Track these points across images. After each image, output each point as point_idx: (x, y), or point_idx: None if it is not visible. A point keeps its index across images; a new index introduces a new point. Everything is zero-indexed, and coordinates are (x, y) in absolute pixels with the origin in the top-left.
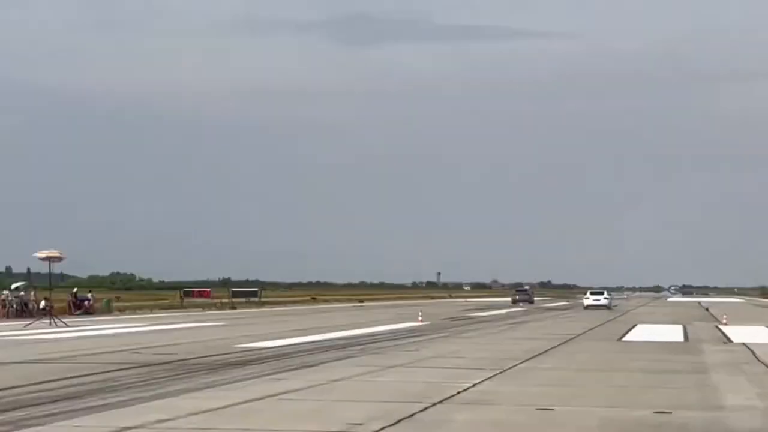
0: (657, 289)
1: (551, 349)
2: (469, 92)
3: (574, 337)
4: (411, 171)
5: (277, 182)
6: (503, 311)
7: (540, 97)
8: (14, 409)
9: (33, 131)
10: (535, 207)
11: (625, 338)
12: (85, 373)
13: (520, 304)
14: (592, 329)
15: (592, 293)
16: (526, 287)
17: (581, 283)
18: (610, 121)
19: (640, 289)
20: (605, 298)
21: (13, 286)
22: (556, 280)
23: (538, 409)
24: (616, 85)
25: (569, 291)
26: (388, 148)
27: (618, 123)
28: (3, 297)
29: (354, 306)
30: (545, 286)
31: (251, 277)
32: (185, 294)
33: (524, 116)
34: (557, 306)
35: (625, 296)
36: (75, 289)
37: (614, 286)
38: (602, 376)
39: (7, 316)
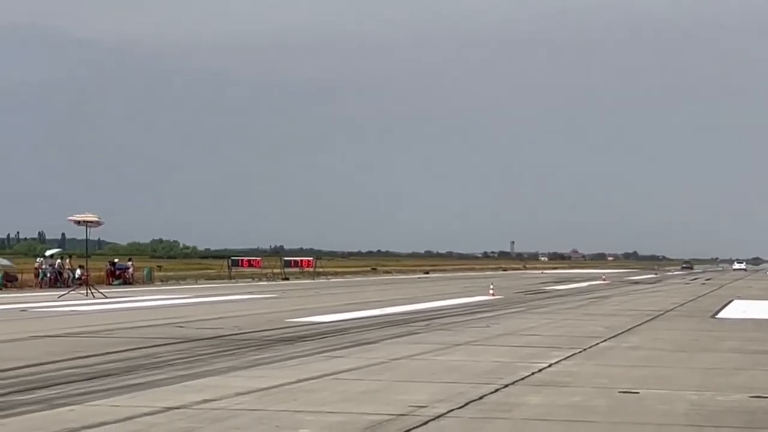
0: (756, 261)
1: (636, 326)
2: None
3: (662, 314)
4: (481, 127)
5: (334, 140)
6: (584, 284)
7: (600, 51)
8: (47, 386)
9: (69, 87)
10: (619, 171)
11: (720, 315)
12: (124, 348)
13: (686, 270)
14: (682, 305)
15: (737, 261)
16: (689, 260)
17: (670, 255)
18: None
19: (738, 261)
20: (745, 265)
21: (47, 253)
22: (643, 251)
23: (620, 392)
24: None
25: (657, 262)
26: (455, 101)
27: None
28: (37, 265)
29: (419, 277)
30: (630, 258)
31: (305, 246)
32: (233, 263)
33: (601, 68)
34: (644, 279)
35: (720, 269)
36: (116, 259)
37: (708, 258)
38: (692, 357)
39: (41, 285)
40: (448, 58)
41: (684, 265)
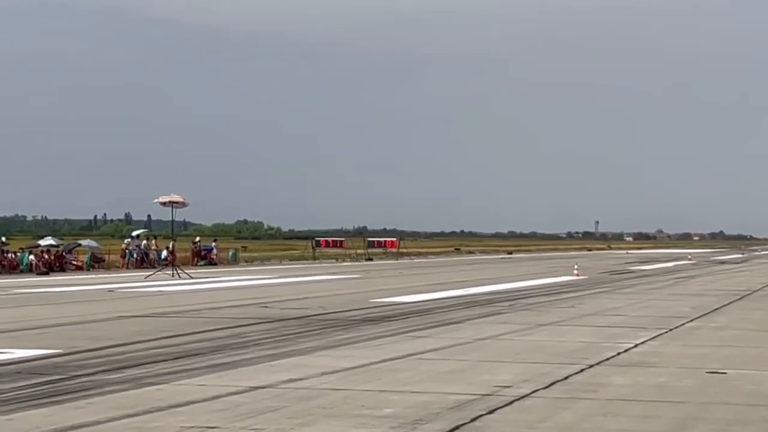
0: None
1: (723, 306)
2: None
3: (750, 293)
4: (565, 107)
5: (417, 122)
6: (670, 264)
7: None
8: (136, 365)
9: (154, 68)
10: (705, 151)
11: None
12: (210, 328)
13: None
14: None
15: None
16: None
17: (758, 234)
18: None
19: None
20: None
21: (134, 233)
22: (729, 231)
23: (707, 372)
24: None
25: (744, 242)
26: (540, 78)
27: None
28: (124, 246)
29: (502, 258)
30: (716, 237)
31: (389, 226)
32: (317, 244)
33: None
34: (731, 259)
35: None
36: (197, 238)
37: None
38: None
39: (127, 266)
40: (533, 36)
41: None
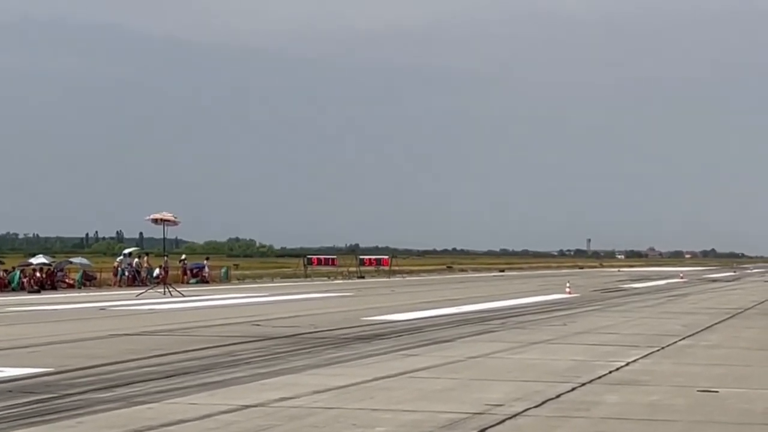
0: None
1: (715, 324)
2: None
3: (742, 312)
4: (557, 124)
5: (407, 139)
6: (662, 282)
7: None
8: (126, 384)
9: (143, 84)
10: (696, 168)
11: None
12: (202, 346)
13: None
14: (761, 303)
15: None
16: None
17: (750, 252)
18: None
19: None
20: None
21: (126, 251)
22: (721, 249)
23: (699, 391)
24: None
25: (736, 260)
26: (532, 95)
27: None
28: (116, 264)
29: (494, 276)
30: (708, 255)
31: (381, 244)
32: (309, 262)
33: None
34: (722, 277)
35: None
36: (183, 256)
37: None
38: None
39: (119, 284)
40: (522, 52)
41: None
